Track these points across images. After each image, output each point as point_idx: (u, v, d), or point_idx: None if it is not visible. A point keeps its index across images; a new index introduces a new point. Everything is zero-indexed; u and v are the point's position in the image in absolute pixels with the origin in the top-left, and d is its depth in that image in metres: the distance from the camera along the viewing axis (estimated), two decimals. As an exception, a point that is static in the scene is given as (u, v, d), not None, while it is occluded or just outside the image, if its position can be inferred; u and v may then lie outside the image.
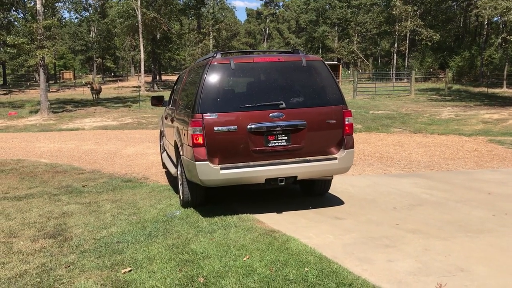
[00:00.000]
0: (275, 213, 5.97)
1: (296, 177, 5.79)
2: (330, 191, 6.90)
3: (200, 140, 5.47)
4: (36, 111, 23.85)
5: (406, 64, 49.68)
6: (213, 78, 5.67)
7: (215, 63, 5.75)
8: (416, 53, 50.87)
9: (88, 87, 31.93)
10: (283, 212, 5.99)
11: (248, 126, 5.56)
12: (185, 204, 6.26)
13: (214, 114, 5.53)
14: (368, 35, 61.81)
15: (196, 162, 5.47)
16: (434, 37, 45.00)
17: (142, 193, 7.25)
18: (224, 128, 5.51)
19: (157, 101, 8.43)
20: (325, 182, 6.65)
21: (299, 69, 6.00)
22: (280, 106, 5.69)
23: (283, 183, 5.75)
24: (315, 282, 3.83)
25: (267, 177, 5.65)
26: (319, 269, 4.08)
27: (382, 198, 6.66)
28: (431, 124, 15.86)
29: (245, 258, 4.38)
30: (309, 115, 5.79)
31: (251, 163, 5.62)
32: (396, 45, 50.75)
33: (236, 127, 5.54)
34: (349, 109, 6.02)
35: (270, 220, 5.62)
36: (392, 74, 43.46)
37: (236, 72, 5.82)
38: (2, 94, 40.68)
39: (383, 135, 13.96)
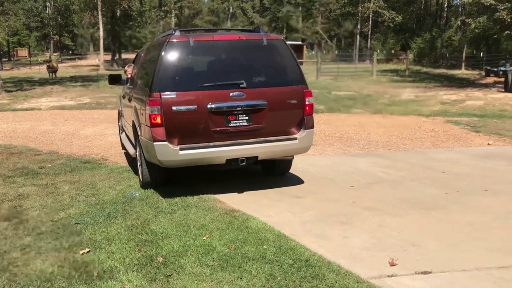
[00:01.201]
0: (236, 193, 6.00)
1: (257, 157, 5.80)
2: (291, 170, 6.98)
3: (158, 120, 5.37)
4: (-11, 90, 22.93)
5: (368, 46, 50.36)
6: (171, 56, 5.56)
7: (174, 40, 5.62)
8: (378, 35, 51.63)
9: (47, 65, 30.84)
10: (244, 192, 6.03)
11: (208, 106, 5.49)
12: (144, 185, 6.19)
13: (173, 93, 5.42)
14: (332, 16, 62.09)
15: (155, 143, 5.38)
16: (396, 18, 45.76)
17: (101, 174, 7.14)
18: (183, 107, 5.42)
19: (115, 80, 8.18)
20: (286, 162, 6.68)
21: (260, 48, 5.95)
22: (241, 85, 5.63)
23: (244, 164, 5.74)
24: (273, 259, 3.91)
25: (227, 158, 5.62)
26: (277, 246, 4.16)
27: (341, 177, 6.80)
28: (391, 105, 16.20)
29: (204, 237, 4.42)
30: (270, 95, 5.76)
31: (211, 144, 5.56)
32: (359, 27, 51.32)
33: (195, 106, 5.45)
34: (309, 90, 6.01)
35: (231, 200, 5.66)
36: (355, 55, 44.02)
37: (196, 50, 5.71)
38: (-47, 72, 38.87)
39: (344, 116, 14.18)
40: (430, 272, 3.68)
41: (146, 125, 5.56)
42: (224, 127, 5.61)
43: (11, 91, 23.21)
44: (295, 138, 5.89)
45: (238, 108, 5.61)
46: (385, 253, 4.05)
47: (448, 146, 9.27)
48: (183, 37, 5.69)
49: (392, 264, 3.80)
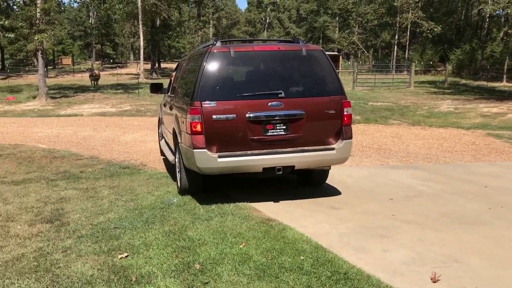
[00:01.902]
0: (272, 202, 5.99)
1: (293, 166, 5.78)
2: (327, 181, 6.91)
3: (198, 128, 5.46)
4: (34, 97, 23.76)
5: (406, 56, 49.56)
6: (212, 66, 5.65)
7: (215, 51, 5.72)
8: (416, 46, 50.72)
9: (90, 73, 31.74)
10: (280, 201, 6.01)
11: (247, 115, 5.54)
12: (182, 192, 6.27)
13: (213, 102, 5.50)
14: (369, 26, 61.52)
15: (194, 150, 5.47)
16: (435, 29, 44.85)
17: (140, 179, 7.26)
18: (222, 116, 5.49)
19: (156, 88, 8.42)
20: (323, 173, 6.65)
21: (298, 59, 5.96)
22: (279, 95, 5.66)
23: (280, 173, 5.74)
24: (310, 271, 3.86)
25: (264, 166, 5.64)
26: (315, 258, 4.11)
27: (379, 189, 6.68)
28: (430, 117, 15.86)
29: (241, 246, 4.41)
30: (308, 105, 5.76)
31: (249, 152, 5.61)
32: (396, 37, 50.58)
33: (234, 115, 5.51)
34: (348, 100, 5.99)
35: (267, 208, 5.65)
36: (392, 66, 43.41)
37: (236, 60, 5.78)
38: (0, 79, 40.53)
39: (382, 127, 13.96)
40: (474, 290, 3.56)
41: (187, 133, 5.65)
42: (261, 136, 5.64)
43: (56, 98, 23.99)
44: (333, 149, 5.86)
45: (276, 118, 5.63)
46: (426, 268, 3.94)
47: (490, 160, 8.98)
48: (224, 47, 5.79)
49: (434, 281, 3.69)
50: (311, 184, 6.84)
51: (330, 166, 6.36)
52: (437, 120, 15.04)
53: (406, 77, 31.85)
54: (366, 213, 5.54)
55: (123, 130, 13.41)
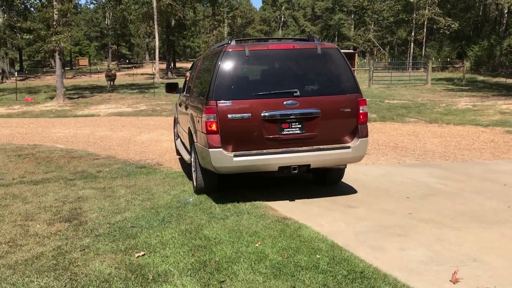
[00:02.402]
0: (288, 200, 5.99)
1: (309, 165, 5.76)
2: (343, 180, 6.88)
3: (214, 127, 5.47)
4: (52, 97, 24.08)
5: (423, 53, 49.04)
6: (227, 65, 5.64)
7: (230, 50, 5.72)
8: (433, 42, 50.12)
9: (107, 73, 32.04)
10: (296, 200, 6.00)
11: (262, 114, 5.53)
12: (198, 191, 6.30)
13: (228, 101, 5.50)
14: (385, 24, 61.03)
15: (210, 149, 5.48)
16: (453, 25, 44.29)
17: (156, 179, 7.31)
18: (238, 115, 5.49)
19: (172, 88, 8.47)
20: (338, 171, 6.60)
21: (314, 57, 5.92)
22: (295, 94, 5.64)
23: (296, 171, 5.72)
24: (326, 269, 3.85)
25: (280, 165, 5.63)
26: (331, 257, 4.09)
27: (395, 187, 6.63)
28: (447, 114, 15.68)
29: (257, 244, 4.41)
30: (323, 103, 5.73)
31: (265, 151, 5.59)
32: (413, 34, 50.07)
33: (250, 114, 5.51)
34: (363, 98, 5.94)
35: (283, 207, 5.64)
36: (409, 63, 42.95)
37: (251, 59, 5.77)
38: (19, 80, 41.13)
39: (398, 125, 13.84)
40: (493, 289, 3.51)
41: (202, 132, 5.67)
42: (277, 134, 5.62)
43: (73, 98, 24.29)
44: (349, 147, 5.81)
45: (291, 116, 5.61)
46: (444, 267, 3.89)
47: (509, 158, 8.84)
48: (239, 46, 5.79)
49: (455, 281, 3.63)
50: (327, 183, 6.79)
51: (345, 165, 6.34)
52: (455, 118, 14.86)
53: (423, 74, 31.50)
54: (383, 211, 5.50)
55: (139, 130, 13.52)
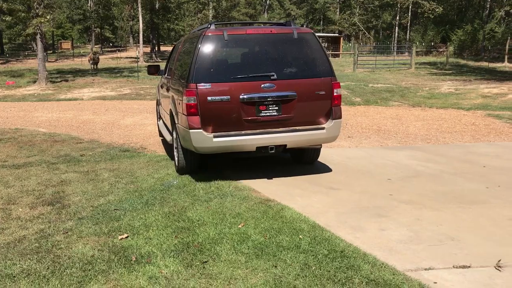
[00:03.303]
0: (271, 183, 6.05)
1: (285, 145, 6.03)
2: (326, 162, 6.95)
3: (194, 109, 5.66)
4: (34, 81, 23.71)
5: (407, 38, 49.22)
6: (207, 49, 5.81)
7: (209, 34, 5.88)
8: (418, 26, 50.34)
9: (91, 57, 31.59)
10: (279, 182, 6.06)
11: (241, 96, 5.73)
12: (180, 170, 6.45)
13: (208, 84, 5.70)
14: (370, 7, 60.97)
15: (190, 130, 5.68)
16: (437, 10, 44.43)
17: (140, 162, 7.30)
18: (217, 98, 5.69)
19: (154, 70, 8.51)
20: (314, 151, 6.83)
21: (290, 41, 6.12)
22: (272, 77, 5.85)
23: (273, 151, 5.98)
24: (307, 249, 3.91)
25: (258, 145, 5.88)
26: (312, 237, 4.16)
27: (377, 170, 6.71)
28: (430, 98, 15.84)
29: (240, 226, 4.46)
30: (299, 86, 5.95)
31: (243, 132, 5.83)
32: (398, 18, 50.16)
33: (228, 97, 5.71)
34: (337, 81, 6.18)
35: (266, 189, 5.69)
36: (393, 47, 43.07)
37: (230, 43, 5.96)
38: (0, 64, 40.41)
39: (382, 109, 13.95)
40: (469, 267, 3.61)
41: (183, 114, 5.84)
42: (255, 116, 5.84)
43: (56, 82, 23.94)
44: (323, 128, 6.09)
45: (268, 99, 5.84)
46: (423, 246, 3.99)
47: (489, 140, 8.99)
48: (218, 31, 5.95)
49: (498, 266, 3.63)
50: (304, 162, 6.99)
51: (321, 145, 6.61)
52: (438, 101, 15.02)
53: (407, 59, 31.68)
54: (364, 193, 5.58)
55: (123, 113, 13.42)
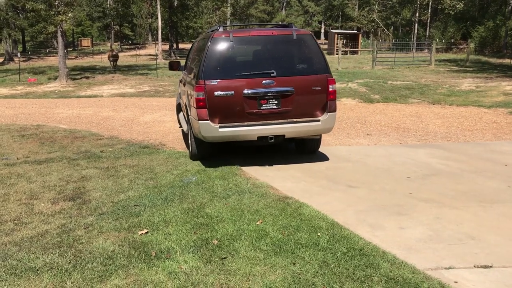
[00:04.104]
0: (290, 181, 6.05)
1: (284, 135, 6.64)
2: (344, 160, 6.93)
3: (202, 102, 6.35)
4: (55, 78, 24.05)
5: (427, 34, 48.54)
6: (215, 50, 6.52)
7: (217, 36, 6.59)
8: (438, 23, 49.53)
9: (110, 54, 31.91)
10: (297, 180, 6.06)
11: (244, 92, 6.39)
12: (192, 157, 7.21)
13: (215, 80, 6.37)
14: (389, 4, 60.30)
15: (199, 121, 6.37)
16: (458, 6, 43.70)
17: (159, 159, 7.37)
18: (223, 93, 6.36)
19: (175, 66, 9.05)
20: (314, 141, 7.39)
21: (290, 42, 6.77)
22: (272, 74, 6.48)
23: (272, 141, 6.63)
24: (326, 247, 3.91)
25: (259, 135, 6.54)
26: (331, 235, 4.15)
27: (396, 168, 6.66)
28: (450, 95, 15.61)
29: (258, 223, 4.48)
30: (297, 82, 6.56)
31: (246, 123, 6.49)
32: (417, 14, 49.50)
33: (233, 92, 6.37)
34: (333, 78, 6.75)
35: (284, 187, 5.70)
36: (413, 44, 42.54)
37: (235, 44, 6.62)
38: (22, 61, 41.07)
39: (401, 106, 13.81)
40: (490, 267, 3.57)
41: (194, 107, 6.51)
42: (256, 109, 6.48)
43: (76, 79, 24.26)
44: (319, 120, 6.66)
45: (268, 94, 6.46)
46: (442, 245, 3.95)
47: (511, 139, 8.85)
48: (225, 33, 6.65)
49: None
50: (305, 152, 7.57)
51: (320, 136, 7.24)
52: (458, 99, 14.80)
53: (427, 56, 31.27)
54: (383, 191, 5.55)
55: (142, 110, 13.54)
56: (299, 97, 6.53)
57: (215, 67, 6.47)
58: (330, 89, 6.65)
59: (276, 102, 6.50)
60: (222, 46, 6.55)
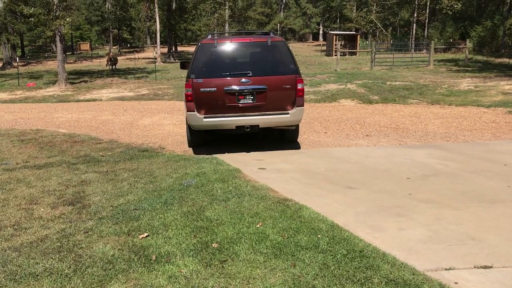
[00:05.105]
0: (288, 182, 6.04)
1: (258, 125, 7.80)
2: (344, 161, 6.92)
3: (191, 97, 7.69)
4: (54, 82, 24.06)
5: (425, 34, 48.55)
6: (201, 53, 7.86)
7: (204, 42, 7.98)
8: (436, 23, 49.58)
9: (109, 57, 31.93)
10: (297, 182, 6.05)
11: (225, 88, 7.65)
12: (188, 143, 8.74)
13: (201, 79, 7.66)
14: (387, 5, 60.35)
15: (188, 112, 7.77)
16: (456, 6, 43.72)
17: (158, 162, 7.36)
18: (207, 89, 7.65)
19: (186, 65, 9.62)
20: (292, 132, 8.64)
21: (265, 47, 8.00)
22: (248, 74, 7.72)
23: (248, 130, 7.82)
24: (326, 249, 3.91)
25: (236, 125, 7.76)
26: (331, 236, 4.15)
27: (396, 168, 6.66)
28: (449, 95, 15.64)
29: (258, 225, 4.47)
30: (269, 81, 7.74)
31: (226, 114, 7.73)
32: (415, 15, 49.49)
33: (215, 89, 7.65)
34: (301, 78, 7.87)
35: (283, 189, 5.69)
36: (411, 44, 42.56)
37: (218, 49, 7.90)
38: (21, 65, 41.05)
39: (400, 106, 13.83)
40: (490, 267, 3.56)
41: (185, 101, 7.91)
42: (235, 103, 7.71)
43: (75, 83, 24.27)
44: (288, 113, 7.80)
45: (245, 90, 7.69)
46: (442, 246, 3.95)
47: (511, 138, 8.85)
48: (211, 40, 7.99)
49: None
50: (286, 140, 8.88)
51: (295, 126, 8.36)
52: (457, 99, 14.83)
53: (425, 56, 31.30)
54: (383, 192, 5.55)
55: (141, 114, 13.55)
56: (271, 93, 7.69)
57: (201, 68, 7.75)
58: (299, 87, 7.75)
59: (252, 97, 7.71)
60: (208, 50, 7.85)
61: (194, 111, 7.68)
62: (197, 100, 7.64)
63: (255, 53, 8.10)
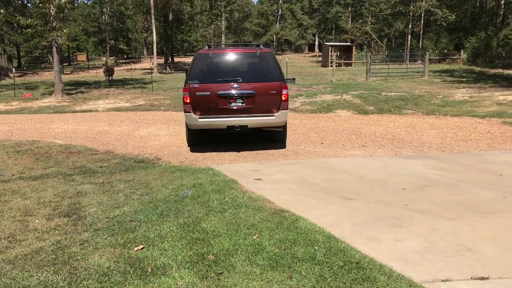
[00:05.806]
0: (285, 193, 6.03)
1: (247, 126, 8.78)
2: (340, 172, 6.92)
3: (188, 100, 8.73)
4: (50, 93, 24.03)
5: (420, 45, 48.91)
6: (198, 62, 8.95)
7: (201, 52, 9.10)
8: (430, 34, 49.98)
9: (106, 68, 31.96)
10: (293, 193, 6.05)
11: (218, 93, 8.66)
12: (187, 142, 9.73)
13: (197, 84, 8.68)
14: (382, 16, 60.84)
15: (185, 114, 8.84)
16: (450, 17, 44.15)
17: (154, 173, 7.35)
18: (202, 93, 8.68)
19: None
20: (279, 133, 9.54)
21: (254, 57, 9.14)
22: (239, 81, 8.72)
23: (238, 129, 8.82)
24: (322, 260, 3.90)
25: (228, 125, 8.76)
26: (327, 248, 4.14)
27: (392, 179, 6.67)
28: (444, 106, 15.71)
29: (254, 237, 4.46)
30: (257, 87, 8.73)
31: (218, 116, 8.72)
32: (410, 26, 49.89)
33: (209, 93, 8.67)
34: (286, 84, 8.90)
35: (280, 200, 5.69)
36: (406, 55, 42.83)
37: (213, 58, 8.98)
38: (17, 76, 41.02)
39: (395, 117, 13.88)
40: (487, 278, 3.56)
41: (183, 103, 8.85)
42: (226, 106, 8.73)
43: (71, 94, 24.26)
44: (274, 115, 8.80)
45: (236, 95, 8.70)
46: (439, 257, 3.95)
47: (506, 148, 8.89)
48: (206, 50, 9.09)
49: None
50: (274, 141, 9.76)
51: (282, 128, 9.24)
52: (452, 109, 14.90)
53: (420, 67, 31.48)
54: (379, 203, 5.55)
55: (138, 124, 13.54)
56: (259, 98, 8.68)
57: (197, 74, 8.78)
58: (283, 93, 8.76)
59: (241, 101, 8.72)
60: (204, 60, 8.93)
61: (191, 112, 8.71)
62: (193, 103, 8.66)
63: (245, 62, 9.14)
